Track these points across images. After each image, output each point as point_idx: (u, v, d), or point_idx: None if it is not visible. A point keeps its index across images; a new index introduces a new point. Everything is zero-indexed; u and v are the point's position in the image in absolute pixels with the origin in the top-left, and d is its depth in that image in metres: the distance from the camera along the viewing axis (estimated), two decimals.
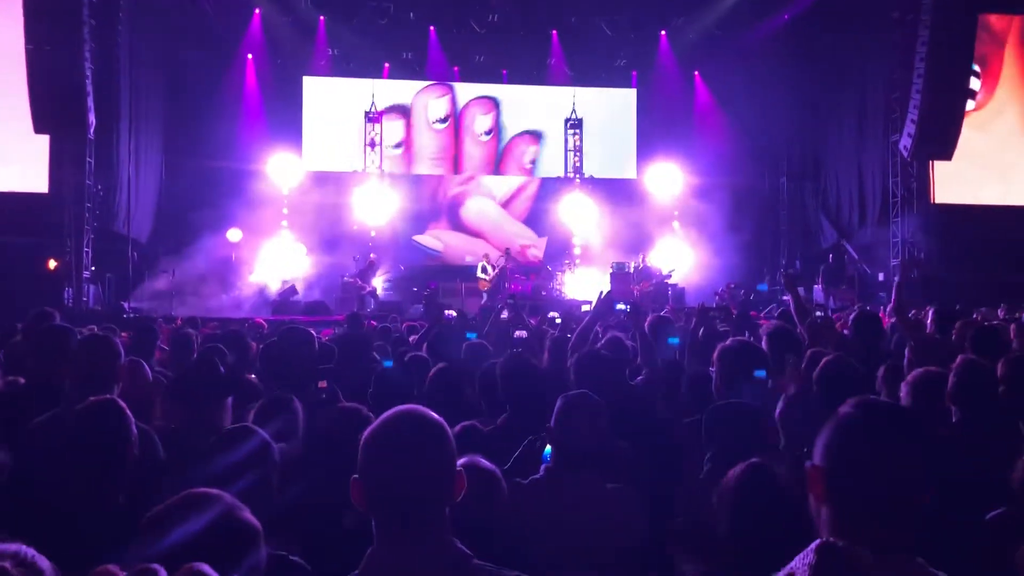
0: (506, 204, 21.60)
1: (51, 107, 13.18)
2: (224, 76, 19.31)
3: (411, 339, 7.16)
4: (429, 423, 1.83)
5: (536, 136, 21.65)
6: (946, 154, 15.75)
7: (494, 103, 21.53)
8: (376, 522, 1.79)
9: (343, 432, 3.05)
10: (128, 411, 2.76)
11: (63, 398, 3.20)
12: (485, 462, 2.58)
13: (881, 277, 16.87)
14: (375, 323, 9.36)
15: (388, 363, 4.23)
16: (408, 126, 21.13)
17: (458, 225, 21.24)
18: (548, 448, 3.06)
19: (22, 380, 4.23)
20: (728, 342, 3.76)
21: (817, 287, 17.37)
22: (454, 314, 7.57)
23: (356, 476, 1.79)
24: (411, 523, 1.77)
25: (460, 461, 2.02)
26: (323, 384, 4.18)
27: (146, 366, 4.05)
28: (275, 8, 18.74)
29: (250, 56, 19.61)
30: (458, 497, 1.81)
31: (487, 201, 21.49)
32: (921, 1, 14.49)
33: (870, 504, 1.55)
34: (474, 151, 21.56)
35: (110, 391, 3.22)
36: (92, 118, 13.37)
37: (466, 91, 21.38)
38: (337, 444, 2.91)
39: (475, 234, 21.23)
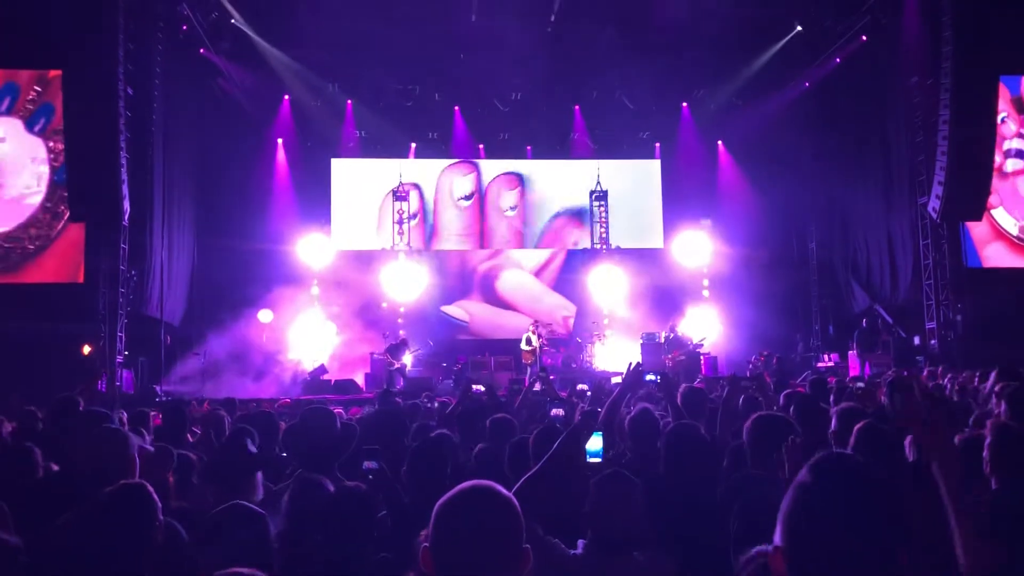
0: (534, 276, 21.67)
1: (88, 196, 13.50)
2: (255, 159, 19.79)
3: (432, 406, 7.12)
4: (500, 499, 1.88)
5: (579, 215, 21.75)
6: (976, 215, 15.65)
7: (519, 179, 21.80)
8: None
9: (342, 510, 3.03)
10: (155, 496, 2.75)
11: (82, 487, 3.19)
12: None
13: (917, 341, 16.62)
14: (399, 400, 9.32)
15: (371, 464, 4.20)
16: (421, 200, 21.39)
17: (493, 299, 21.27)
18: (594, 439, 3.05)
19: (55, 467, 4.25)
20: (758, 415, 3.71)
21: (852, 353, 17.15)
22: (482, 389, 7.51)
23: (426, 544, 1.83)
24: None
25: None
26: (370, 464, 4.15)
27: (146, 445, 4.05)
28: (304, 93, 19.27)
29: (280, 140, 20.12)
30: (524, 573, 1.85)
31: (524, 274, 21.58)
32: (940, 65, 14.57)
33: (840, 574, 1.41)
34: (500, 226, 21.75)
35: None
36: (127, 205, 13.67)
37: (491, 167, 21.68)
38: (335, 522, 2.89)
39: (511, 307, 21.24)
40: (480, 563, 1.79)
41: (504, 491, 1.90)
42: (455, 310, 21.12)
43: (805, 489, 1.49)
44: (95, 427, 3.70)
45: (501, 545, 1.82)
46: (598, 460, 3.33)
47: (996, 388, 5.38)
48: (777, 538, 1.50)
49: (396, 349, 17.34)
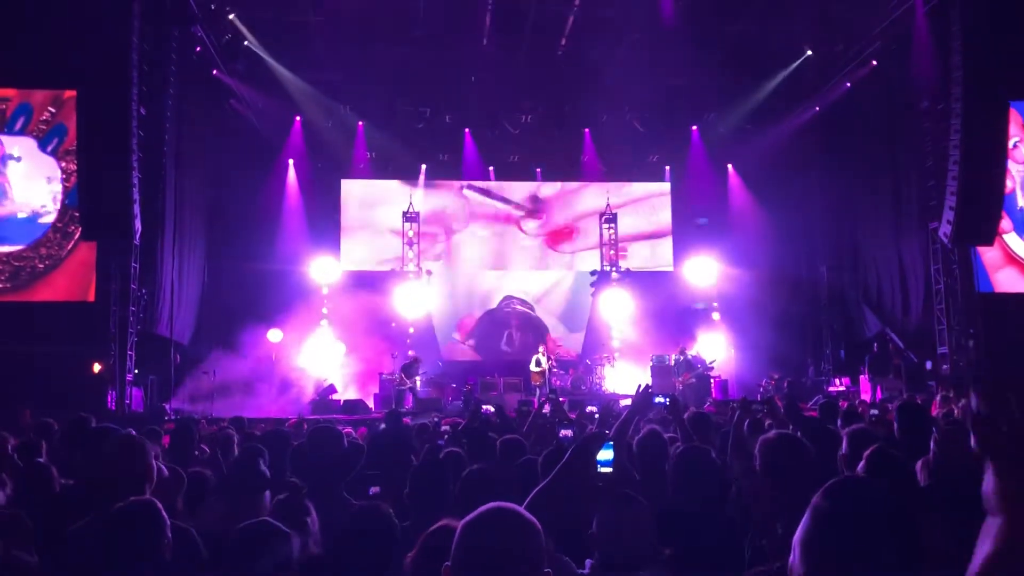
0: (541, 298, 21.67)
1: (100, 215, 13.58)
2: (266, 179, 19.92)
3: (442, 429, 7.10)
4: (525, 522, 1.85)
5: (572, 230, 21.87)
6: (987, 240, 15.59)
7: (531, 200, 21.90)
8: None
9: (362, 530, 3.02)
10: (164, 512, 2.75)
11: (98, 500, 3.19)
12: None
13: (929, 365, 16.52)
14: (408, 420, 9.30)
15: (375, 489, 4.19)
16: (448, 235, 21.56)
17: (493, 320, 21.27)
18: (605, 449, 3.12)
19: (72, 482, 4.26)
20: (770, 435, 3.67)
21: (863, 377, 17.07)
22: (492, 409, 7.49)
23: (448, 564, 1.80)
24: None
25: None
26: (376, 490, 4.13)
27: (159, 464, 4.05)
28: (316, 114, 19.38)
29: (291, 160, 20.25)
30: None
31: (524, 297, 21.59)
32: (951, 90, 14.57)
33: None
34: (511, 249, 21.80)
35: (142, 490, 3.22)
36: (138, 225, 13.74)
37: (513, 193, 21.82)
38: (356, 542, 2.87)
39: (512, 329, 21.24)
40: None
41: (528, 515, 1.88)
42: (462, 348, 21.13)
43: (821, 513, 1.48)
44: (111, 436, 3.71)
45: (526, 569, 1.78)
46: (609, 470, 3.34)
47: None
48: (796, 563, 1.49)
49: (410, 368, 17.35)
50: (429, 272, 20.57)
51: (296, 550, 2.70)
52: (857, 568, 1.42)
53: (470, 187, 21.58)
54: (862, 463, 3.45)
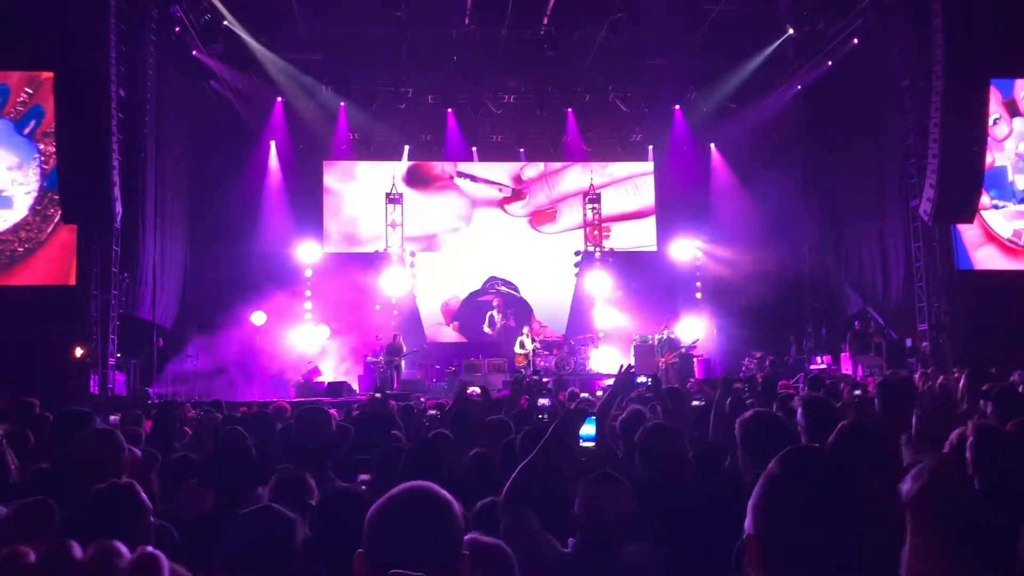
0: (525, 279, 21.66)
1: (80, 198, 13.42)
2: (247, 161, 19.77)
3: (429, 413, 7.11)
4: (437, 499, 1.80)
5: (556, 211, 21.88)
6: (967, 218, 15.69)
7: (516, 181, 21.89)
8: None
9: (342, 514, 3.02)
10: (145, 497, 2.73)
11: (72, 490, 3.16)
12: (486, 538, 2.49)
13: (908, 343, 16.67)
14: (393, 403, 9.31)
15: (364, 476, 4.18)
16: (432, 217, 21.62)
17: (477, 302, 21.28)
18: (587, 424, 3.15)
19: (45, 465, 4.23)
20: (748, 414, 3.70)
21: (844, 355, 17.21)
22: (478, 391, 7.52)
23: (360, 551, 1.75)
24: None
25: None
26: (365, 477, 4.11)
27: (134, 449, 4.01)
28: (297, 95, 19.23)
29: (273, 142, 20.10)
30: None
31: (504, 278, 21.62)
32: (932, 68, 14.61)
33: (808, 561, 1.45)
34: (494, 230, 21.79)
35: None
36: (119, 207, 13.62)
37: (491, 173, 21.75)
38: (336, 526, 2.88)
39: (492, 308, 21.28)
40: (413, 565, 1.70)
41: (441, 491, 1.83)
42: (449, 332, 21.11)
43: (773, 480, 1.53)
44: (84, 426, 3.66)
45: (435, 547, 1.74)
46: (591, 444, 3.37)
47: (982, 389, 5.38)
48: (748, 527, 1.54)
49: (392, 349, 17.36)
50: (413, 254, 20.54)
51: (300, 538, 2.66)
52: (803, 535, 1.46)
53: (459, 174, 21.53)
54: (832, 437, 3.47)
